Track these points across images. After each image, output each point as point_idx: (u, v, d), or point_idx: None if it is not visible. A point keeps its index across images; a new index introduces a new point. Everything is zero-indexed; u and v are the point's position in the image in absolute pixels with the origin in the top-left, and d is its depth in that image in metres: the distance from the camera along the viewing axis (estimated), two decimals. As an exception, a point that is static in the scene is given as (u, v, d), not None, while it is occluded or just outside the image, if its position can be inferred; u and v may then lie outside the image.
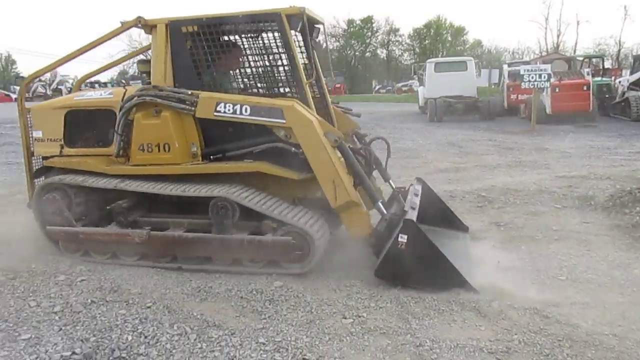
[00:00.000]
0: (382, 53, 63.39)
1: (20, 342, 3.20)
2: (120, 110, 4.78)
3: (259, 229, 4.49)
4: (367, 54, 62.55)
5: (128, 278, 4.25)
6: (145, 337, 3.28)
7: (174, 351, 3.13)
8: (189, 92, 4.63)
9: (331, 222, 4.69)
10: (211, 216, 4.49)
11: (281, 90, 5.16)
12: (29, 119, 5.40)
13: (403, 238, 3.94)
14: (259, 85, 5.45)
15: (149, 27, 4.85)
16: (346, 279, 4.24)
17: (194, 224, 4.71)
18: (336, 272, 4.40)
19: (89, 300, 3.77)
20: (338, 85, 53.01)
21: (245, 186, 4.64)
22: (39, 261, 4.66)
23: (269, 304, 3.80)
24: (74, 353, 3.06)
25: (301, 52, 5.00)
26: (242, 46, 5.33)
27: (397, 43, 62.38)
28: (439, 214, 5.30)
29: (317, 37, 5.03)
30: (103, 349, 3.12)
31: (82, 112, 5.21)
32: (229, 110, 4.53)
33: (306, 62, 5.10)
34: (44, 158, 5.39)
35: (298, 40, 4.93)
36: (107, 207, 4.84)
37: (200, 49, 4.79)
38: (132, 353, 3.09)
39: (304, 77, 4.71)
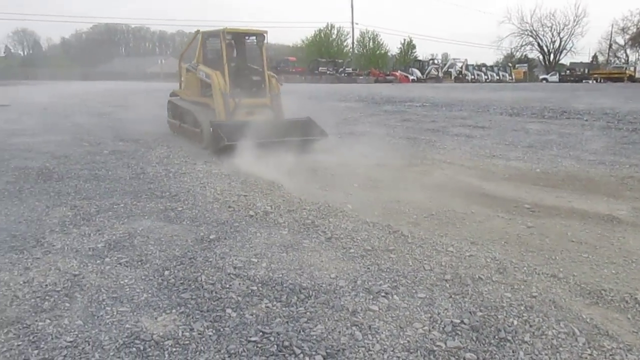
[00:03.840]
0: None
1: (417, 299, 3.60)
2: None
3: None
4: None
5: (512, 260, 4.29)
6: (531, 326, 3.25)
7: (560, 349, 3.00)
8: (197, 64, 10.26)
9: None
10: (192, 119, 10.28)
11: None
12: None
13: (212, 129, 8.89)
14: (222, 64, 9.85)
15: (200, 34, 10.63)
16: None
17: (193, 122, 10.14)
18: None
19: (477, 276, 3.95)
20: None
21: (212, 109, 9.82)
22: (422, 228, 5.14)
23: (677, 328, 3.25)
24: (462, 322, 3.28)
25: (230, 50, 9.92)
26: (215, 47, 10.35)
27: None
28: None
29: (262, 42, 10.12)
30: (489, 326, 3.23)
31: (185, 71, 11.26)
32: (202, 74, 10.01)
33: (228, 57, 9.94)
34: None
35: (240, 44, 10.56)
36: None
37: (207, 46, 10.42)
38: (516, 338, 3.10)
39: (225, 61, 9.48)
